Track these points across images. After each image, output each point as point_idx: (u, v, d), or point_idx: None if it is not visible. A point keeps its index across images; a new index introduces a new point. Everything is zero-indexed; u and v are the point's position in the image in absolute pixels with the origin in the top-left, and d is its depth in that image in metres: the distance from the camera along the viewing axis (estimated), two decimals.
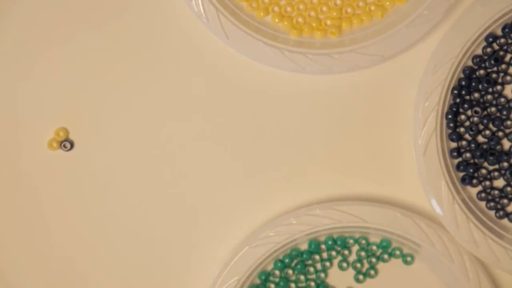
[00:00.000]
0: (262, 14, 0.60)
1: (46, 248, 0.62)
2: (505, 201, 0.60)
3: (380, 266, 0.61)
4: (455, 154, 0.59)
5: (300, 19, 0.60)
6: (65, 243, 0.62)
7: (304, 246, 0.61)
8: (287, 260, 0.61)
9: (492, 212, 0.60)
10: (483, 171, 0.60)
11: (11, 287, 0.62)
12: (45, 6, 0.60)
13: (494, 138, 0.59)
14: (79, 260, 0.62)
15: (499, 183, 0.60)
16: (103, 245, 0.62)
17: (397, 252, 0.61)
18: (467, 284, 0.58)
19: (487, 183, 0.60)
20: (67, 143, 0.61)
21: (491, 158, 0.59)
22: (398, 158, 0.60)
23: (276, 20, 0.60)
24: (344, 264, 0.61)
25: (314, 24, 0.60)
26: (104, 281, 0.62)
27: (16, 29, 0.61)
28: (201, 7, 0.59)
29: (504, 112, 0.59)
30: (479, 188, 0.60)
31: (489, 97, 0.59)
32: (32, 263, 0.62)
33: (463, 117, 0.60)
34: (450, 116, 0.59)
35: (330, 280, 0.61)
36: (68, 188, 0.62)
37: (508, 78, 0.59)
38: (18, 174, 0.62)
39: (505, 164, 0.60)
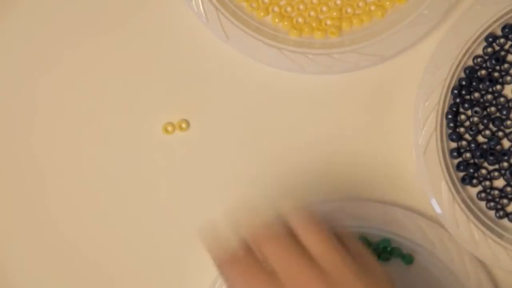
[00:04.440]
0: (262, 14, 0.60)
1: (48, 246, 0.62)
2: (505, 201, 0.60)
3: None
4: (455, 154, 0.59)
5: (300, 19, 0.60)
6: (67, 242, 0.62)
7: None
8: None
9: (492, 212, 0.60)
10: (483, 171, 0.60)
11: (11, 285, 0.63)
12: (43, 8, 0.61)
13: (494, 138, 0.60)
14: (78, 259, 0.62)
15: (499, 183, 0.60)
16: (103, 245, 0.62)
17: (397, 252, 0.61)
18: (467, 284, 0.58)
19: (487, 183, 0.60)
20: None
21: (491, 158, 0.59)
22: (398, 158, 0.60)
23: (276, 20, 0.60)
24: None
25: (314, 24, 0.60)
26: (104, 281, 0.62)
27: (16, 30, 0.61)
28: (201, 7, 0.59)
29: (504, 112, 0.59)
30: (479, 188, 0.60)
31: (489, 97, 0.60)
32: (30, 261, 0.62)
33: (463, 117, 0.60)
34: (450, 116, 0.59)
35: None
36: (72, 186, 0.62)
37: (508, 78, 0.59)
38: (22, 170, 0.62)
39: (505, 164, 0.60)
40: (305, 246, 0.48)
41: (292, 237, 0.48)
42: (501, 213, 0.60)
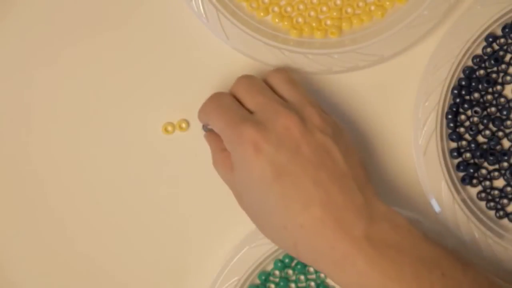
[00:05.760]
0: (262, 14, 0.60)
1: (46, 247, 0.62)
2: (505, 201, 0.60)
3: None
4: (455, 154, 0.59)
5: (300, 19, 0.60)
6: (66, 242, 0.62)
7: None
8: (287, 260, 0.61)
9: (492, 212, 0.60)
10: (483, 171, 0.60)
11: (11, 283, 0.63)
12: (42, 8, 0.61)
13: (494, 138, 0.60)
14: (78, 259, 0.62)
15: (499, 183, 0.60)
16: (103, 245, 0.62)
17: None
18: None
19: (487, 183, 0.60)
20: None
21: (491, 158, 0.59)
22: (398, 158, 0.60)
23: (276, 20, 0.60)
24: None
25: (314, 24, 0.60)
26: (103, 281, 0.62)
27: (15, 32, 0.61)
28: (201, 7, 0.59)
29: (504, 112, 0.59)
30: (479, 188, 0.60)
31: (489, 97, 0.60)
32: (29, 261, 0.62)
33: (463, 117, 0.60)
34: (450, 116, 0.59)
35: (330, 280, 0.61)
36: (71, 187, 0.62)
37: (508, 78, 0.59)
38: (20, 171, 0.62)
39: (505, 164, 0.60)
40: (280, 94, 0.55)
41: (266, 84, 0.56)
42: (501, 213, 0.60)
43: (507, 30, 0.59)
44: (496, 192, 0.60)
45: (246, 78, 0.56)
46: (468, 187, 0.60)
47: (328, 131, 0.52)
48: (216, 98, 0.56)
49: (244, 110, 0.54)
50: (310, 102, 0.54)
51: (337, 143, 0.52)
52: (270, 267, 0.61)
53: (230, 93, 0.56)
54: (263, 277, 0.61)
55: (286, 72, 0.57)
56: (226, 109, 0.54)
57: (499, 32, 0.59)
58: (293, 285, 0.61)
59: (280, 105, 0.53)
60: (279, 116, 0.52)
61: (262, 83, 0.56)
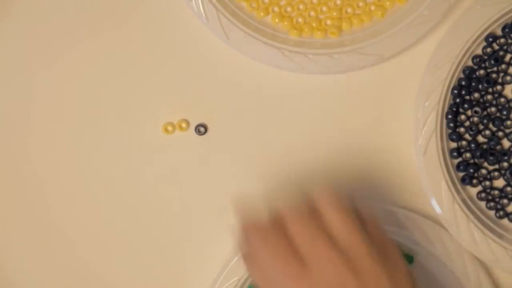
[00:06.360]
0: (262, 14, 0.60)
1: (47, 248, 0.62)
2: (505, 201, 0.60)
3: None
4: (455, 154, 0.59)
5: (300, 19, 0.60)
6: (66, 243, 0.62)
7: None
8: None
9: (492, 212, 0.60)
10: (483, 171, 0.60)
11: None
12: (42, 9, 0.61)
13: (494, 138, 0.60)
14: (79, 260, 0.62)
15: (499, 183, 0.60)
16: (103, 245, 0.62)
17: None
18: (467, 284, 0.58)
19: (487, 183, 0.60)
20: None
21: (491, 158, 0.59)
22: (398, 158, 0.60)
23: (276, 20, 0.60)
24: None
25: (314, 24, 0.60)
26: (104, 280, 0.62)
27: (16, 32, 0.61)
28: (201, 7, 0.59)
29: (504, 112, 0.59)
30: (479, 188, 0.60)
31: (489, 97, 0.60)
32: (29, 261, 0.62)
33: (463, 117, 0.60)
34: (450, 116, 0.59)
35: None
36: (71, 187, 0.62)
37: (508, 78, 0.59)
38: (21, 172, 0.62)
39: (505, 164, 0.60)
40: (328, 225, 0.49)
41: (315, 217, 0.50)
42: (501, 213, 0.60)
43: (507, 30, 0.59)
44: (496, 192, 0.60)
45: (300, 218, 0.50)
46: (468, 187, 0.60)
47: (382, 276, 0.48)
48: (264, 237, 0.50)
49: (297, 260, 0.49)
50: (362, 238, 0.49)
51: (394, 283, 0.48)
52: None
53: (277, 224, 0.51)
54: None
55: (336, 198, 0.51)
56: (277, 253, 0.49)
57: (499, 32, 0.59)
58: None
59: (336, 259, 0.48)
60: (334, 272, 0.47)
61: (316, 222, 0.50)
